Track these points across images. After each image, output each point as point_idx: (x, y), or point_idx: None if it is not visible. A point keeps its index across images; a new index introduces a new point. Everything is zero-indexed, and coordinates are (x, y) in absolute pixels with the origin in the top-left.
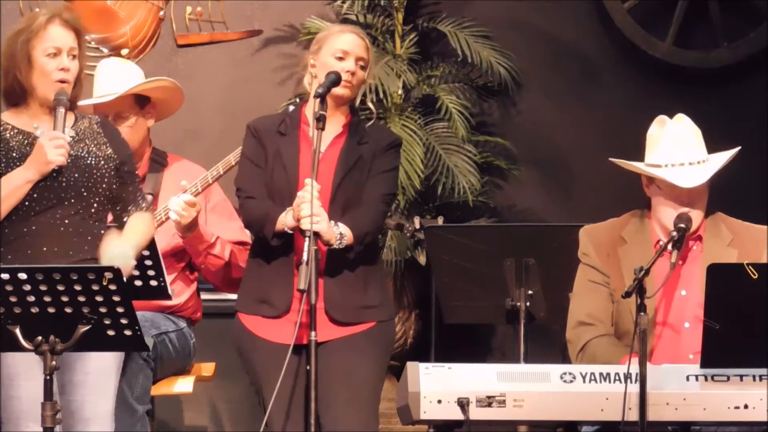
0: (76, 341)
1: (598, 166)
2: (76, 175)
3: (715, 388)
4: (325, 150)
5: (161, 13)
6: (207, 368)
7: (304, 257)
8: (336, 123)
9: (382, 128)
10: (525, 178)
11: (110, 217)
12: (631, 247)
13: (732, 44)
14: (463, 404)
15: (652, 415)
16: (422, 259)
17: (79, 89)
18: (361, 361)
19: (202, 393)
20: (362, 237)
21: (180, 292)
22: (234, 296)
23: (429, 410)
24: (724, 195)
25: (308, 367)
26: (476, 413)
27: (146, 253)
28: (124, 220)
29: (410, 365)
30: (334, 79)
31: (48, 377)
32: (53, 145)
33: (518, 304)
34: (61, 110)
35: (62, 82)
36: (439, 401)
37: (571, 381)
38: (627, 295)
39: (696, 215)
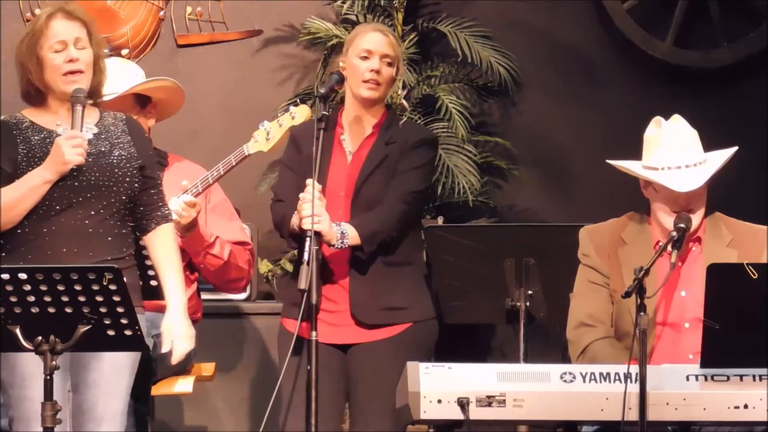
0: (76, 341)
1: (598, 166)
2: (97, 173)
3: (715, 388)
4: (355, 151)
5: (161, 13)
6: (207, 368)
7: (305, 257)
8: (367, 124)
9: (414, 126)
10: (525, 178)
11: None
12: (632, 248)
13: (732, 44)
14: (463, 404)
15: (652, 415)
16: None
17: (99, 76)
18: (392, 368)
19: (202, 393)
20: (369, 237)
21: None
22: (234, 296)
23: (429, 410)
24: (724, 195)
25: (309, 367)
26: (476, 413)
27: (146, 253)
28: (146, 227)
29: (410, 365)
30: (337, 79)
31: (48, 377)
32: (71, 144)
33: (518, 304)
34: (79, 108)
35: (73, 73)
36: (439, 401)
37: (571, 381)
38: (627, 295)
39: (695, 217)
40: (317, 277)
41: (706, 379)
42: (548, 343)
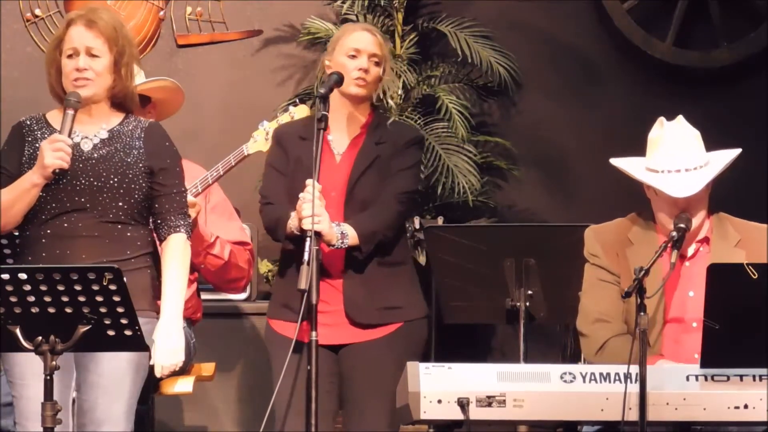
0: (76, 341)
1: (598, 166)
2: (92, 178)
3: (715, 388)
4: (344, 151)
5: (161, 13)
6: (207, 368)
7: (305, 257)
8: (355, 123)
9: (403, 125)
10: (525, 178)
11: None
12: (639, 248)
13: (732, 44)
14: (463, 404)
15: (652, 415)
16: (422, 259)
17: (122, 83)
18: (386, 367)
19: (202, 393)
20: (368, 237)
21: None
22: (234, 296)
23: (429, 410)
24: (724, 195)
25: (309, 368)
26: (476, 413)
27: None
28: (159, 236)
29: (410, 365)
30: (337, 79)
31: (48, 377)
32: (51, 148)
33: (518, 304)
34: (70, 112)
35: (77, 81)
36: (439, 401)
37: (571, 381)
38: (627, 295)
39: (696, 220)
40: (318, 277)
41: (706, 379)
42: (548, 343)
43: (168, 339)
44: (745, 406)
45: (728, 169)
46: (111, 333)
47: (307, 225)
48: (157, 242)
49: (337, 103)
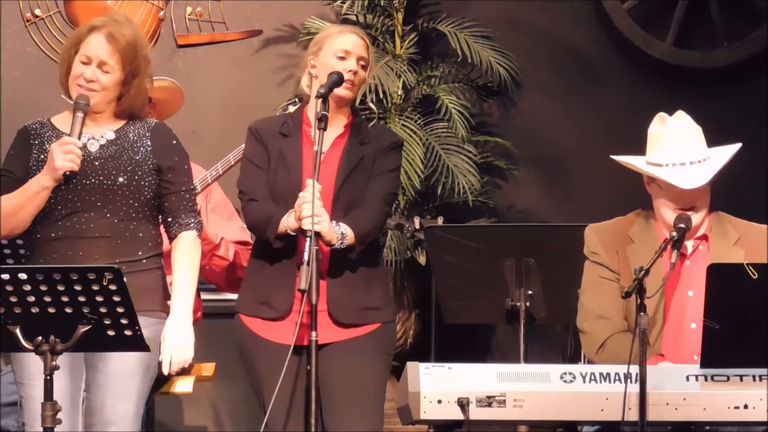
0: (76, 341)
1: (598, 166)
2: (101, 177)
3: (715, 388)
4: (327, 150)
5: (161, 13)
6: (207, 368)
7: (305, 257)
8: (338, 123)
9: (384, 129)
10: (525, 178)
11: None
12: (639, 246)
13: (732, 44)
14: (463, 404)
15: (652, 415)
16: (422, 260)
17: (128, 102)
18: (367, 363)
19: (202, 393)
20: (363, 237)
21: None
22: (234, 296)
23: (429, 410)
24: (725, 194)
25: (309, 368)
26: (476, 413)
27: None
28: (169, 234)
29: (410, 365)
30: (337, 79)
31: (48, 377)
32: (62, 151)
33: (518, 304)
34: (79, 115)
35: (82, 88)
36: (439, 401)
37: (571, 381)
38: (627, 295)
39: (698, 215)
40: (318, 277)
41: (706, 379)
42: (548, 343)
43: (179, 336)
44: (745, 406)
45: (728, 168)
46: (111, 333)
47: (307, 225)
48: (167, 240)
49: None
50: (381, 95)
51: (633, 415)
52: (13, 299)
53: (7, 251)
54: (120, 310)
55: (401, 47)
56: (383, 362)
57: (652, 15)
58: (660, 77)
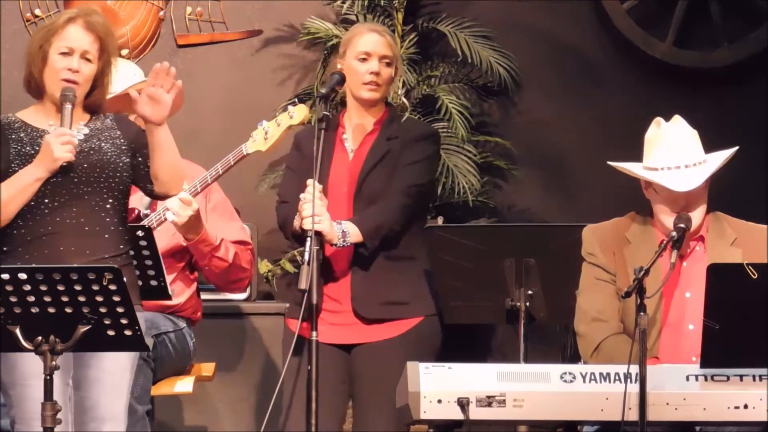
0: (76, 341)
1: (598, 166)
2: (88, 170)
3: (715, 388)
4: (356, 149)
5: (161, 13)
6: (207, 368)
7: (305, 257)
8: (368, 121)
9: (415, 121)
10: (525, 178)
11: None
12: (636, 247)
13: (732, 44)
14: (463, 404)
15: (652, 415)
16: None
17: (100, 93)
18: (395, 365)
19: (202, 393)
20: (372, 231)
21: (180, 292)
22: (234, 296)
23: (429, 410)
24: (724, 195)
25: (309, 368)
26: (476, 413)
27: (146, 252)
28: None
29: (410, 365)
30: (338, 79)
31: (48, 377)
32: (60, 141)
33: (518, 304)
34: (68, 107)
35: (69, 81)
36: (439, 401)
37: (571, 381)
38: (627, 295)
39: (695, 216)
40: (318, 277)
41: (706, 379)
42: (548, 343)
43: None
44: (745, 406)
45: (727, 169)
46: (111, 333)
47: (307, 225)
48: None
49: (352, 103)
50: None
51: (633, 415)
52: (13, 299)
53: None
54: (120, 310)
55: (401, 47)
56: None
57: (652, 15)
58: (660, 77)
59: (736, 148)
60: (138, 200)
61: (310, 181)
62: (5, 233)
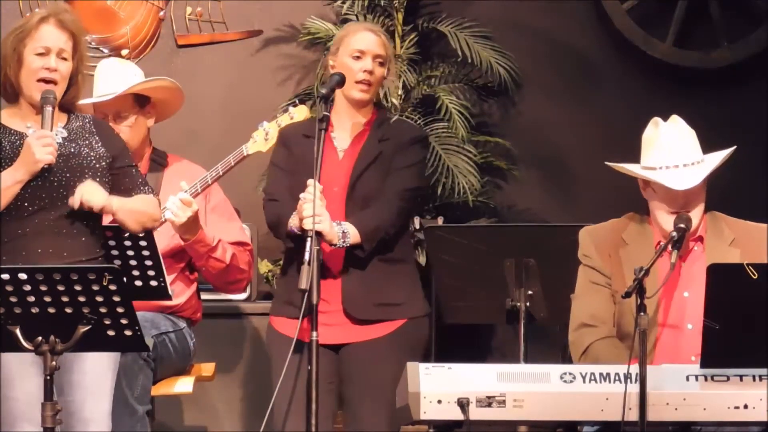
0: (76, 341)
1: (598, 166)
2: (68, 174)
3: (715, 388)
4: (346, 149)
5: (161, 13)
6: (207, 368)
7: (306, 257)
8: (358, 121)
9: (406, 123)
10: (525, 178)
11: (108, 218)
12: (633, 248)
13: (732, 44)
14: (463, 404)
15: (652, 415)
16: (422, 259)
17: (75, 92)
18: (384, 364)
19: (202, 393)
20: (370, 234)
21: (180, 293)
22: (234, 296)
23: (429, 410)
24: (724, 195)
25: (309, 368)
26: (476, 413)
27: (146, 253)
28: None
29: (410, 365)
30: (338, 80)
31: (48, 377)
32: (41, 143)
33: (518, 304)
34: (49, 109)
35: (46, 81)
36: (439, 401)
37: (571, 381)
38: (627, 295)
39: (694, 215)
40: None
41: (706, 379)
42: (548, 343)
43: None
44: (745, 406)
45: (727, 169)
46: (111, 333)
47: (308, 225)
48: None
49: (341, 102)
50: (381, 95)
51: (633, 415)
52: (13, 299)
53: None
54: (120, 310)
55: (401, 47)
56: (401, 362)
57: (652, 15)
58: (660, 77)
59: (734, 147)
60: None
61: (310, 181)
62: None
